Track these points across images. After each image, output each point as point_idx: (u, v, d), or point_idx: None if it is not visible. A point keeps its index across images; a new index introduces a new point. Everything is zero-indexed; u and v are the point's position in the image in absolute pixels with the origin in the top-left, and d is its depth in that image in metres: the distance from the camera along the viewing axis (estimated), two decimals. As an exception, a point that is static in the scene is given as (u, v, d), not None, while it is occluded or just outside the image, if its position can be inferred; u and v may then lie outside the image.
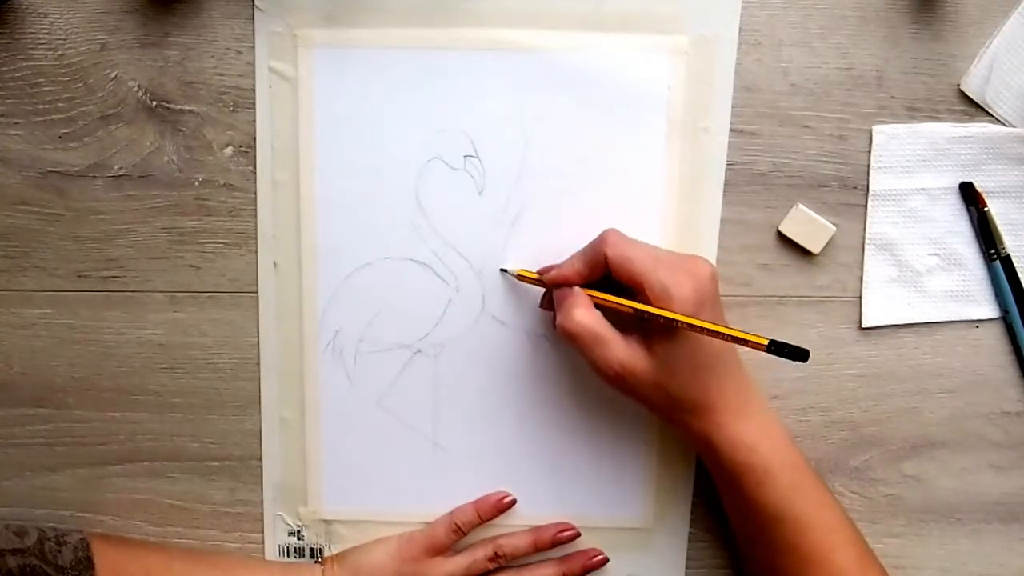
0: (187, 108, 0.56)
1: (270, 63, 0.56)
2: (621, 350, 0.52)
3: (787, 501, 0.54)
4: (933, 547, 0.55)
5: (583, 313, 0.53)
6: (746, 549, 0.58)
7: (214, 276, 0.59)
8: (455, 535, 0.59)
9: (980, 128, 0.57)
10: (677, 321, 0.50)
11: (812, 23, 0.56)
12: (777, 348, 0.48)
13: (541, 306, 0.58)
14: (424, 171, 0.57)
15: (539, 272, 0.56)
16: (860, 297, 0.59)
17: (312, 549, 0.62)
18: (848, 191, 0.58)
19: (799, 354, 0.48)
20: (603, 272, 0.53)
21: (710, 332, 0.50)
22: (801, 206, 0.58)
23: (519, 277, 0.57)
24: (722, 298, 0.55)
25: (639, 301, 0.52)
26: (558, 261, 0.56)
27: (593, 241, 0.54)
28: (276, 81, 0.56)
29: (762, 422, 0.54)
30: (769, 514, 0.54)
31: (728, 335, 0.50)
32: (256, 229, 0.58)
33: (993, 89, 0.57)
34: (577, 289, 0.54)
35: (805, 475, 0.55)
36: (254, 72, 0.56)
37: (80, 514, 0.61)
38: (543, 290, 0.57)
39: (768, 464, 0.53)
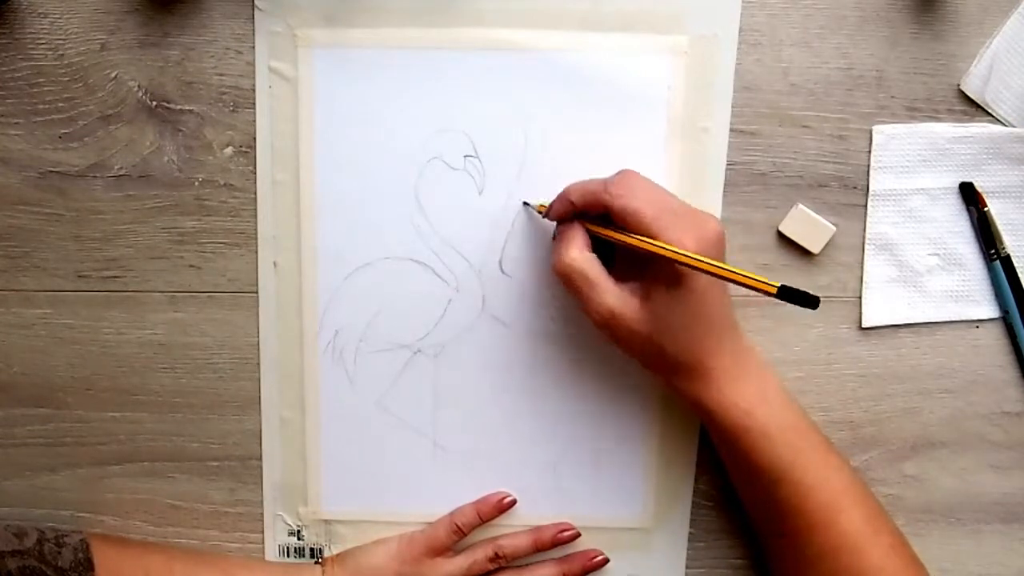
0: (187, 108, 0.56)
1: (270, 63, 0.56)
2: (612, 296, 0.51)
3: (787, 463, 0.53)
4: (933, 547, 0.55)
5: (576, 253, 0.52)
6: (752, 511, 0.58)
7: (214, 276, 0.59)
8: (455, 536, 0.59)
9: (980, 128, 0.57)
10: (679, 257, 0.48)
11: (812, 23, 0.56)
12: (787, 294, 0.46)
13: (554, 238, 0.56)
14: (424, 171, 0.57)
15: (542, 208, 0.55)
16: (860, 297, 0.59)
17: (312, 549, 0.62)
18: (848, 191, 0.58)
19: (809, 300, 0.46)
20: (603, 211, 0.52)
21: (714, 272, 0.48)
22: (801, 206, 0.58)
23: (540, 211, 0.56)
24: (722, 298, 0.55)
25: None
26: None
27: (599, 184, 0.52)
28: (276, 81, 0.56)
29: (759, 384, 0.53)
30: (770, 477, 0.53)
31: (734, 277, 0.48)
32: (256, 229, 0.58)
33: (993, 89, 0.57)
34: (577, 226, 0.53)
35: (807, 437, 0.54)
36: (254, 72, 0.56)
37: (80, 514, 0.61)
38: (546, 255, 0.56)
39: (765, 427, 0.52)
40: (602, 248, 0.53)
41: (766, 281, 0.47)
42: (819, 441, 0.55)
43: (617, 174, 0.52)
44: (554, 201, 0.54)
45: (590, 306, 0.52)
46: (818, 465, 0.53)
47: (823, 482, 0.53)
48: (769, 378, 0.54)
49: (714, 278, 0.50)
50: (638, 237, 0.50)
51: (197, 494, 0.61)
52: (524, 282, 0.58)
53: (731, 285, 0.50)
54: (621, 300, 0.51)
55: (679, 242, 0.49)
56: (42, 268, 0.58)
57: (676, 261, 0.49)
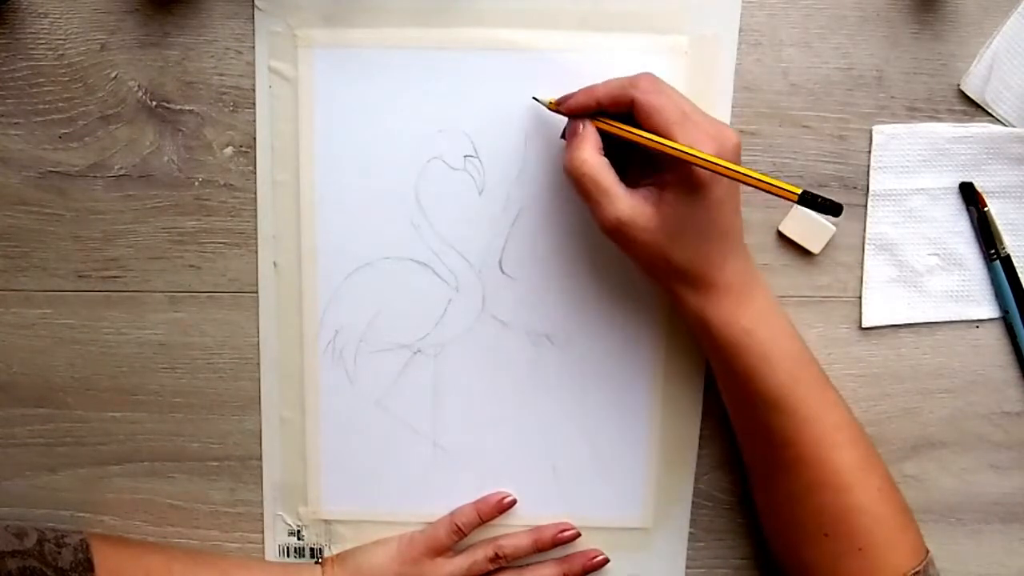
0: (187, 108, 0.56)
1: (270, 63, 0.56)
2: (623, 202, 0.50)
3: (784, 391, 0.52)
4: (933, 547, 0.55)
5: (589, 154, 0.51)
6: (743, 439, 0.57)
7: (214, 276, 0.59)
8: (456, 536, 0.59)
9: (980, 128, 0.57)
10: (700, 162, 0.47)
11: (812, 23, 0.56)
12: (810, 200, 0.45)
13: (562, 136, 0.54)
14: (424, 171, 0.57)
15: (559, 99, 0.53)
16: (860, 297, 0.59)
17: (312, 549, 0.62)
18: (848, 191, 0.58)
19: (832, 208, 0.45)
20: (627, 110, 0.50)
21: (735, 176, 0.47)
22: (801, 206, 0.58)
23: (551, 107, 0.54)
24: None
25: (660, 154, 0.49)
26: (559, 261, 0.56)
27: (624, 79, 0.51)
28: (276, 81, 0.56)
29: (763, 308, 0.52)
30: (765, 403, 0.52)
31: (755, 181, 0.47)
32: (256, 229, 0.58)
33: (993, 89, 0.57)
34: (589, 126, 0.51)
35: (806, 368, 0.53)
36: (254, 72, 0.56)
37: (80, 514, 0.61)
38: (567, 176, 0.53)
39: (766, 350, 0.52)
40: (614, 154, 0.52)
41: (787, 187, 0.46)
42: (818, 375, 0.54)
43: (641, 73, 0.51)
44: (576, 93, 0.52)
45: (600, 212, 0.51)
46: (815, 398, 0.53)
47: (819, 416, 0.52)
48: (775, 304, 0.53)
49: (730, 189, 0.49)
50: (659, 139, 0.49)
51: (197, 494, 0.61)
52: (524, 282, 0.58)
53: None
54: (632, 207, 0.50)
55: (699, 147, 0.48)
56: (42, 268, 0.58)
57: (696, 164, 0.48)
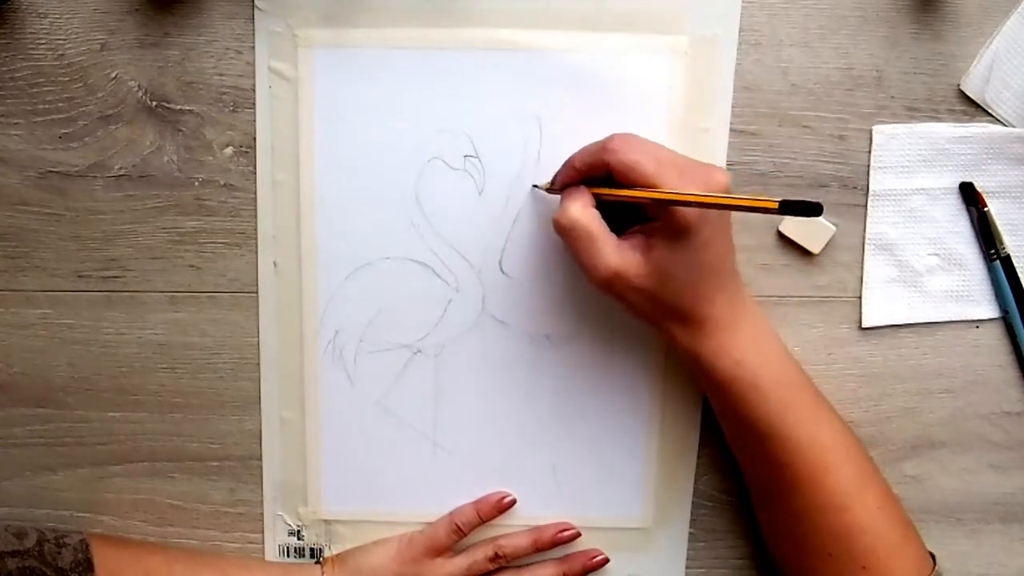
0: (187, 108, 0.56)
1: (270, 63, 0.56)
2: (612, 252, 0.51)
3: (776, 418, 0.52)
4: (933, 547, 0.55)
5: (579, 209, 0.51)
6: (744, 465, 0.58)
7: (214, 276, 0.59)
8: (455, 536, 0.59)
9: (980, 128, 0.57)
10: (677, 199, 0.48)
11: (812, 23, 0.56)
12: (788, 207, 0.46)
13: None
14: (424, 171, 0.57)
15: (550, 183, 0.55)
16: (860, 297, 0.59)
17: (312, 549, 0.62)
18: (848, 191, 0.58)
19: (810, 208, 0.45)
20: (605, 173, 0.51)
21: (713, 204, 0.48)
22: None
23: (549, 190, 0.55)
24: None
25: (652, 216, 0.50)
26: (559, 261, 0.56)
27: (596, 144, 0.51)
28: (276, 81, 0.56)
29: (753, 336, 0.53)
30: (759, 431, 0.53)
31: (734, 203, 0.47)
32: (256, 229, 0.58)
33: (993, 89, 0.57)
34: (581, 186, 0.52)
35: (798, 391, 0.54)
36: (254, 72, 0.56)
37: (80, 514, 0.61)
38: (546, 255, 0.55)
39: (756, 379, 0.52)
40: (608, 216, 0.52)
41: (766, 199, 0.47)
42: (811, 396, 0.54)
43: (612, 135, 0.51)
44: (558, 172, 0.54)
45: (591, 263, 0.51)
46: (808, 421, 0.53)
47: (812, 438, 0.53)
48: (765, 331, 0.54)
49: (717, 228, 0.50)
50: (637, 189, 0.50)
51: (197, 494, 0.61)
52: (524, 282, 0.58)
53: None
54: (622, 256, 0.51)
55: (683, 190, 0.49)
56: (42, 268, 0.58)
57: (676, 203, 0.48)
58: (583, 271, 0.52)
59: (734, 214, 0.56)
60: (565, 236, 0.52)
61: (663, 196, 0.49)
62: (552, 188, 0.55)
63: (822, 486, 0.53)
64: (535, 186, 0.57)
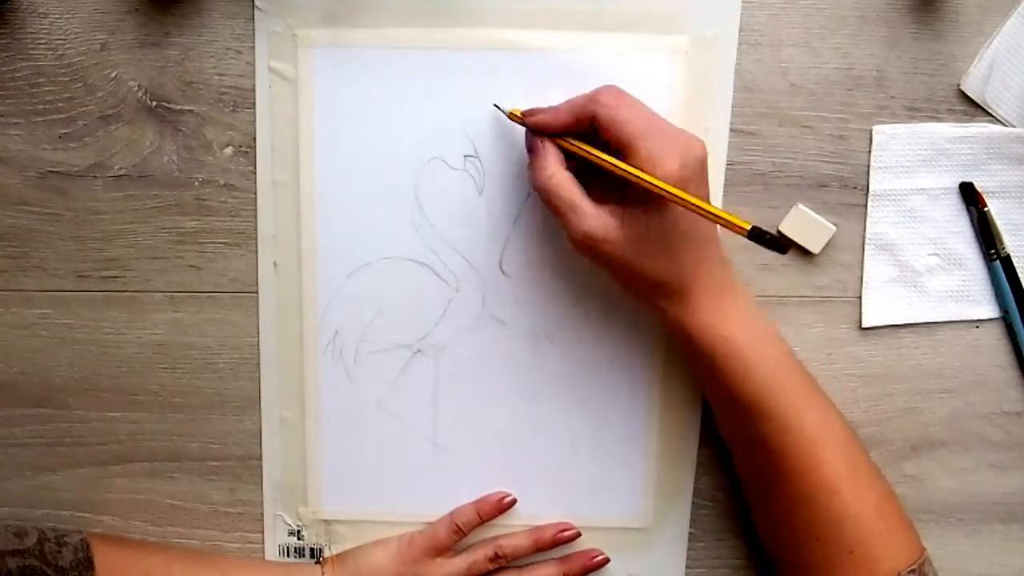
0: (187, 108, 0.56)
1: (270, 63, 0.56)
2: (591, 218, 0.50)
3: (768, 398, 0.51)
4: (933, 547, 0.55)
5: (554, 169, 0.51)
6: (733, 447, 0.57)
7: (214, 276, 0.59)
8: (456, 535, 0.59)
9: (980, 128, 0.57)
10: (654, 188, 0.48)
11: (812, 23, 0.56)
12: (757, 235, 0.46)
13: (527, 147, 0.54)
14: (424, 171, 0.57)
15: (523, 113, 0.54)
16: (860, 297, 0.59)
17: (312, 549, 0.62)
18: (848, 191, 0.58)
19: (777, 245, 0.46)
20: (586, 127, 0.51)
21: (687, 205, 0.48)
22: (801, 206, 0.58)
23: (511, 116, 0.55)
24: (722, 298, 0.56)
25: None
26: (559, 261, 0.56)
27: (586, 95, 0.51)
28: (276, 81, 0.56)
29: (743, 313, 0.52)
30: (749, 410, 0.52)
31: (708, 212, 0.47)
32: (256, 229, 0.58)
33: (993, 89, 0.57)
34: (549, 144, 0.52)
35: (791, 373, 0.53)
36: (254, 72, 0.56)
37: (80, 514, 0.61)
38: (535, 191, 0.53)
39: (746, 356, 0.51)
40: (577, 172, 0.52)
41: (737, 221, 0.47)
42: (804, 380, 0.54)
43: (603, 87, 0.51)
44: (542, 110, 0.52)
45: (569, 227, 0.51)
46: (801, 404, 0.52)
47: (804, 423, 0.52)
48: (754, 309, 0.53)
49: (695, 197, 0.49)
50: (616, 162, 0.50)
51: (197, 494, 0.61)
52: (524, 282, 0.58)
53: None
54: (600, 222, 0.50)
55: (663, 161, 0.49)
56: (42, 268, 0.58)
57: (650, 188, 0.48)
58: (564, 232, 0.52)
59: (735, 205, 0.56)
60: (543, 196, 0.52)
61: (640, 180, 0.48)
62: (521, 120, 0.53)
63: (813, 472, 0.52)
64: (496, 106, 0.55)
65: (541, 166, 0.52)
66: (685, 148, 0.50)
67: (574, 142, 0.52)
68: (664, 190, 0.48)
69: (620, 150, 0.50)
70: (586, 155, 0.51)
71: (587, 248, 0.51)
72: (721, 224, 0.48)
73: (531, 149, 0.53)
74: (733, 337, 0.52)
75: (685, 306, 0.52)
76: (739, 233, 0.47)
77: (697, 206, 0.48)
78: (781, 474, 0.53)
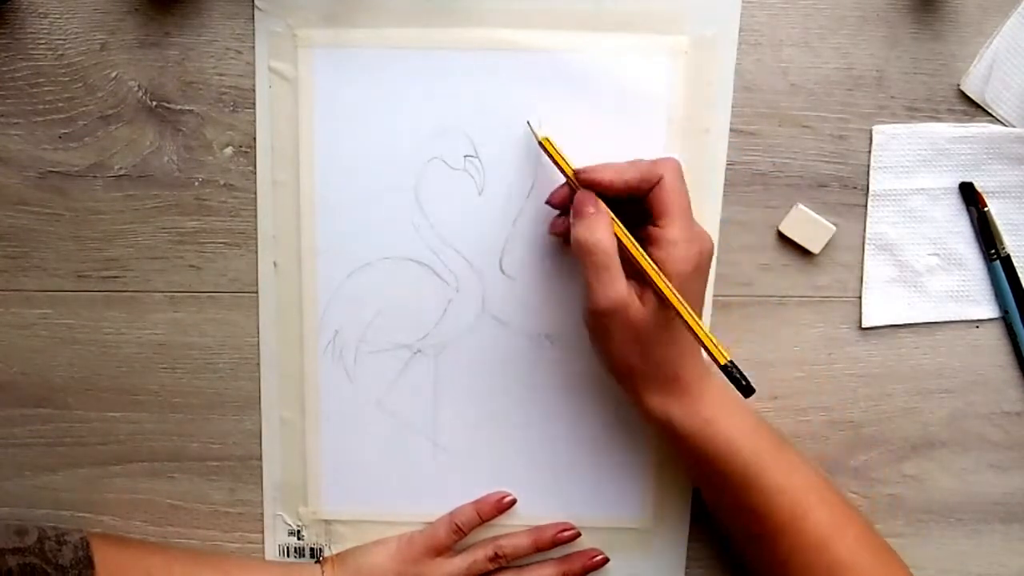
0: (187, 108, 0.56)
1: (270, 63, 0.56)
2: (622, 288, 0.51)
3: (752, 468, 0.53)
4: (933, 547, 0.56)
5: (605, 233, 0.51)
6: (721, 518, 0.58)
7: (214, 276, 0.59)
8: (455, 535, 0.59)
9: (980, 128, 0.57)
10: (664, 292, 0.50)
11: (812, 23, 0.56)
12: (730, 371, 0.50)
13: (548, 201, 0.55)
14: (424, 171, 0.57)
15: (577, 172, 0.53)
16: (860, 297, 0.59)
17: (312, 549, 0.62)
18: (848, 191, 0.58)
19: (743, 388, 0.50)
20: (640, 192, 0.52)
21: (687, 317, 0.50)
22: (801, 206, 0.58)
23: (543, 145, 0.54)
24: (722, 298, 0.57)
25: (641, 228, 0.52)
26: (559, 261, 0.56)
27: (652, 161, 0.52)
28: (276, 81, 0.56)
29: (719, 396, 0.54)
30: (736, 483, 0.54)
31: (697, 330, 0.50)
32: (256, 229, 0.58)
33: (993, 89, 0.57)
34: (604, 207, 0.52)
35: (766, 440, 0.55)
36: (254, 72, 0.56)
37: (80, 514, 0.61)
38: (576, 247, 0.53)
39: (728, 435, 0.53)
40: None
41: (720, 350, 0.50)
42: (778, 441, 0.55)
43: (668, 157, 0.53)
44: (601, 168, 0.52)
45: (601, 289, 0.51)
46: (781, 466, 0.54)
47: (788, 483, 0.54)
48: (723, 388, 0.54)
49: (703, 287, 0.53)
50: (642, 254, 0.51)
51: (197, 494, 0.61)
52: (524, 282, 0.58)
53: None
54: (627, 295, 0.51)
55: (686, 248, 0.51)
56: (42, 268, 0.58)
57: (659, 289, 0.51)
58: (588, 293, 0.52)
59: (735, 205, 0.57)
60: (585, 255, 0.51)
61: (659, 278, 0.51)
62: (558, 165, 0.54)
63: (803, 529, 0.54)
64: (528, 123, 0.55)
65: (595, 226, 0.51)
66: (702, 244, 0.52)
67: (614, 217, 0.52)
68: (673, 302, 0.50)
69: (653, 217, 0.52)
70: (621, 234, 0.52)
71: (608, 317, 0.51)
72: (703, 346, 0.50)
73: (582, 205, 0.52)
74: (714, 419, 0.53)
75: (670, 397, 0.53)
76: (715, 362, 0.50)
77: (695, 323, 0.50)
78: (772, 533, 0.54)
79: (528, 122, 0.56)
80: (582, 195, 0.53)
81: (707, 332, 0.50)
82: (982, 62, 0.57)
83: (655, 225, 0.52)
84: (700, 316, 0.52)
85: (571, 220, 0.53)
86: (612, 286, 0.51)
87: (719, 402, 0.54)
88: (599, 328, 0.53)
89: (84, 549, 0.55)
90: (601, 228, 0.51)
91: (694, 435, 0.53)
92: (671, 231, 0.51)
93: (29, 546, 0.54)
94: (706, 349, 0.50)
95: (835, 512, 0.55)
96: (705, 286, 0.54)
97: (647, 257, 0.51)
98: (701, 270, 0.52)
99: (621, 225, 0.52)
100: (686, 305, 0.50)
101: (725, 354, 0.50)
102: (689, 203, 0.52)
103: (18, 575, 0.52)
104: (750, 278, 0.59)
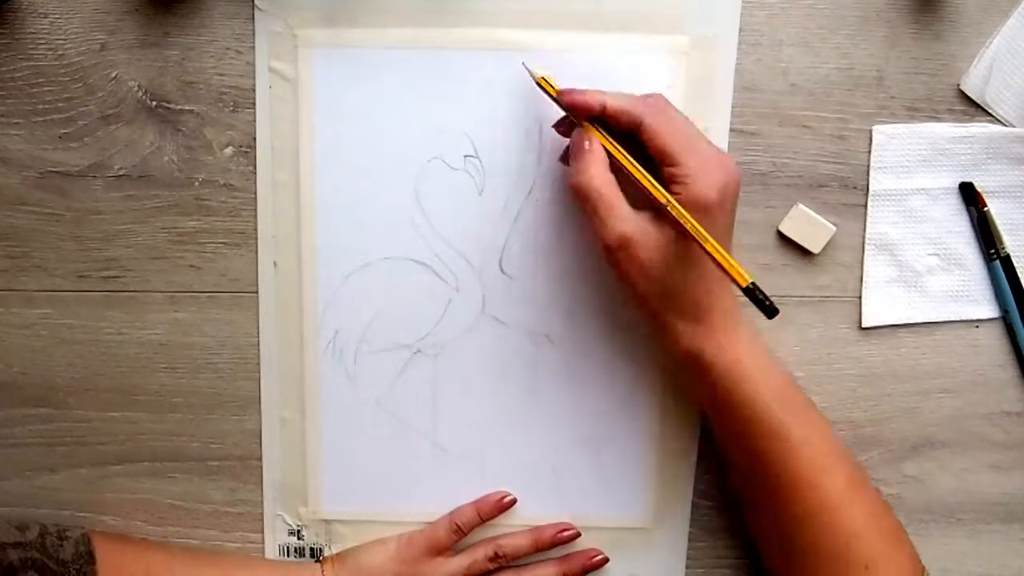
0: (187, 108, 0.56)
1: (270, 63, 0.56)
2: (629, 221, 0.50)
3: (776, 416, 0.52)
4: (933, 547, 0.56)
5: (598, 170, 0.50)
6: (736, 469, 0.57)
7: (214, 276, 0.59)
8: (455, 535, 0.59)
9: (980, 128, 0.57)
10: (671, 210, 0.48)
11: (812, 23, 0.56)
12: (752, 293, 0.47)
13: (554, 126, 0.54)
14: (424, 171, 0.57)
15: (560, 92, 0.52)
16: (860, 297, 0.59)
17: (312, 549, 0.62)
18: (848, 191, 0.58)
19: (768, 309, 0.47)
20: (629, 128, 0.50)
21: (702, 245, 0.48)
22: (801, 206, 0.58)
23: (540, 83, 0.53)
24: (722, 298, 0.56)
25: (664, 176, 0.50)
26: (559, 261, 0.56)
27: (635, 97, 0.51)
28: (276, 81, 0.56)
29: (750, 337, 0.53)
30: (759, 431, 0.53)
31: (716, 254, 0.48)
32: (256, 229, 0.58)
33: (993, 89, 0.57)
34: (597, 143, 0.51)
35: (794, 392, 0.54)
36: (254, 72, 0.56)
37: (80, 514, 0.61)
38: (573, 190, 0.52)
39: (756, 378, 0.52)
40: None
41: (741, 271, 0.48)
42: (804, 398, 0.55)
43: (652, 93, 0.51)
44: (585, 91, 0.51)
45: (605, 229, 0.50)
46: (805, 421, 0.53)
47: (810, 439, 0.53)
48: (756, 332, 0.54)
49: (730, 218, 0.50)
50: (650, 180, 0.50)
51: (197, 494, 0.61)
52: (524, 282, 0.58)
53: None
54: (638, 227, 0.50)
55: (707, 178, 0.49)
56: (42, 268, 0.58)
57: (676, 219, 0.49)
58: (594, 236, 0.51)
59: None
60: (582, 196, 0.51)
61: (669, 203, 0.49)
62: (559, 97, 0.52)
63: (820, 487, 0.53)
64: (524, 65, 0.54)
65: (585, 167, 0.50)
66: (727, 169, 0.50)
67: (618, 148, 0.51)
68: (687, 226, 0.48)
69: (659, 158, 0.50)
70: (627, 165, 0.50)
71: (619, 252, 0.50)
72: (723, 270, 0.48)
73: (576, 147, 0.51)
74: (744, 359, 0.52)
75: (700, 328, 0.52)
76: (736, 284, 0.48)
77: (706, 245, 0.48)
78: (789, 488, 0.53)
79: (524, 63, 0.55)
80: (577, 134, 0.52)
81: (725, 255, 0.48)
82: (982, 62, 0.57)
83: (666, 165, 0.50)
84: (728, 251, 0.50)
85: (570, 160, 0.52)
86: (615, 221, 0.50)
87: (750, 343, 0.53)
88: (615, 262, 0.51)
89: (85, 545, 0.55)
90: (592, 166, 0.50)
91: (723, 373, 0.52)
92: (679, 168, 0.49)
93: (30, 541, 0.54)
94: (725, 271, 0.48)
95: (854, 478, 0.54)
96: (733, 216, 0.52)
97: (656, 184, 0.49)
98: (726, 199, 0.50)
99: (628, 157, 0.50)
100: (700, 228, 0.48)
101: (746, 276, 0.48)
102: (691, 133, 0.50)
103: (20, 569, 0.52)
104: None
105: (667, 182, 0.50)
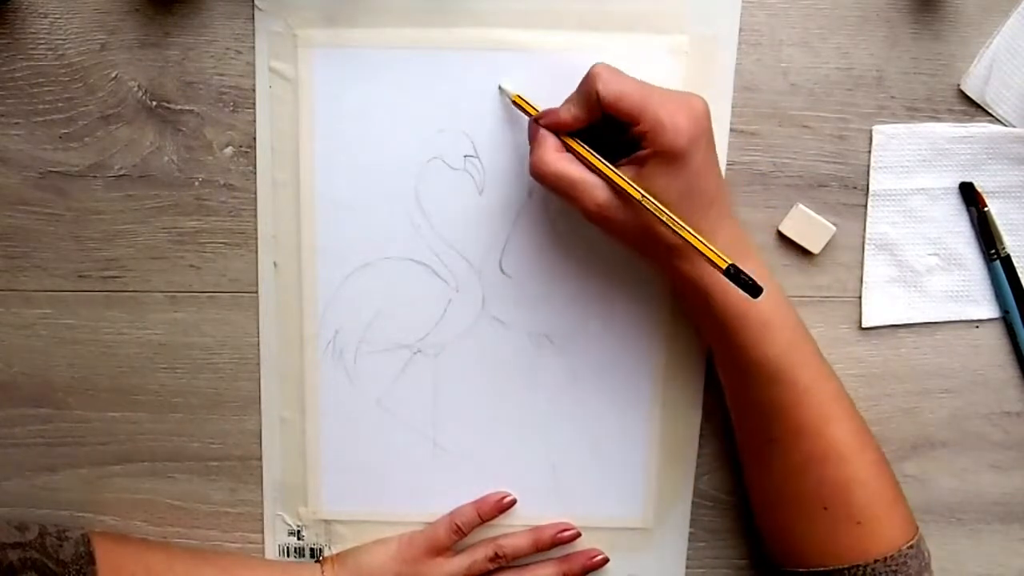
0: (187, 108, 0.56)
1: (270, 63, 0.56)
2: (599, 188, 0.51)
3: (785, 360, 0.52)
4: (933, 547, 0.55)
5: (550, 155, 0.51)
6: (739, 413, 0.57)
7: (214, 276, 0.59)
8: (455, 535, 0.59)
9: (980, 128, 0.57)
10: (646, 204, 0.49)
11: (812, 23, 0.56)
12: (733, 275, 0.47)
13: (529, 138, 0.55)
14: (424, 171, 0.57)
15: (535, 116, 0.53)
16: (860, 297, 0.59)
17: (312, 549, 0.62)
18: (848, 191, 0.58)
19: (751, 289, 0.47)
20: (599, 112, 0.51)
21: (677, 231, 0.49)
22: (801, 206, 0.58)
23: (515, 102, 0.55)
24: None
25: (634, 137, 0.50)
26: (559, 261, 0.56)
27: (583, 79, 0.51)
28: (276, 81, 0.56)
29: (760, 274, 0.51)
30: (765, 372, 0.52)
31: (696, 240, 0.49)
32: (256, 229, 0.58)
33: (993, 89, 0.57)
34: (545, 132, 0.52)
35: (803, 337, 0.54)
36: (254, 72, 0.56)
37: (80, 514, 0.61)
38: (538, 182, 0.53)
39: (765, 318, 0.52)
40: (597, 143, 0.52)
41: (718, 255, 0.48)
42: (814, 345, 0.54)
43: (594, 64, 0.51)
44: (557, 111, 0.52)
45: (580, 204, 0.51)
46: (814, 368, 0.53)
47: (817, 386, 0.53)
48: (767, 271, 0.53)
49: (708, 157, 0.50)
50: (618, 174, 0.50)
51: (197, 494, 0.61)
52: (524, 282, 0.58)
53: (722, 162, 0.53)
54: (607, 190, 0.51)
55: (673, 122, 0.49)
56: (42, 268, 0.58)
57: (642, 203, 0.49)
58: (577, 211, 0.52)
59: (735, 205, 0.56)
60: (548, 186, 0.52)
61: (639, 197, 0.49)
62: (525, 109, 0.54)
63: (824, 435, 0.52)
64: (500, 87, 0.55)
65: (538, 156, 0.52)
66: (689, 105, 0.50)
67: (582, 146, 0.52)
68: (654, 207, 0.49)
69: (628, 121, 0.50)
70: (596, 163, 0.51)
71: (602, 219, 0.51)
72: (701, 254, 0.49)
73: (530, 140, 0.53)
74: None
75: (705, 267, 0.51)
76: (716, 268, 0.48)
77: (689, 233, 0.49)
78: (793, 435, 0.53)
79: (500, 86, 0.55)
80: (530, 128, 0.53)
81: (701, 240, 0.49)
82: (982, 62, 0.57)
83: (633, 126, 0.50)
84: (719, 180, 0.50)
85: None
86: (586, 194, 0.51)
87: (760, 280, 0.51)
88: (604, 230, 0.52)
89: (85, 545, 0.55)
90: (545, 153, 0.51)
91: (730, 313, 0.51)
92: (642, 125, 0.49)
93: (30, 541, 0.54)
94: (704, 255, 0.48)
95: (857, 429, 0.54)
96: (713, 147, 0.51)
97: (625, 178, 0.50)
98: (697, 136, 0.49)
99: (582, 144, 0.52)
100: (675, 217, 0.49)
101: (725, 259, 0.48)
102: (639, 87, 0.50)
103: (19, 570, 0.52)
104: (750, 278, 0.59)
105: (640, 141, 0.50)
